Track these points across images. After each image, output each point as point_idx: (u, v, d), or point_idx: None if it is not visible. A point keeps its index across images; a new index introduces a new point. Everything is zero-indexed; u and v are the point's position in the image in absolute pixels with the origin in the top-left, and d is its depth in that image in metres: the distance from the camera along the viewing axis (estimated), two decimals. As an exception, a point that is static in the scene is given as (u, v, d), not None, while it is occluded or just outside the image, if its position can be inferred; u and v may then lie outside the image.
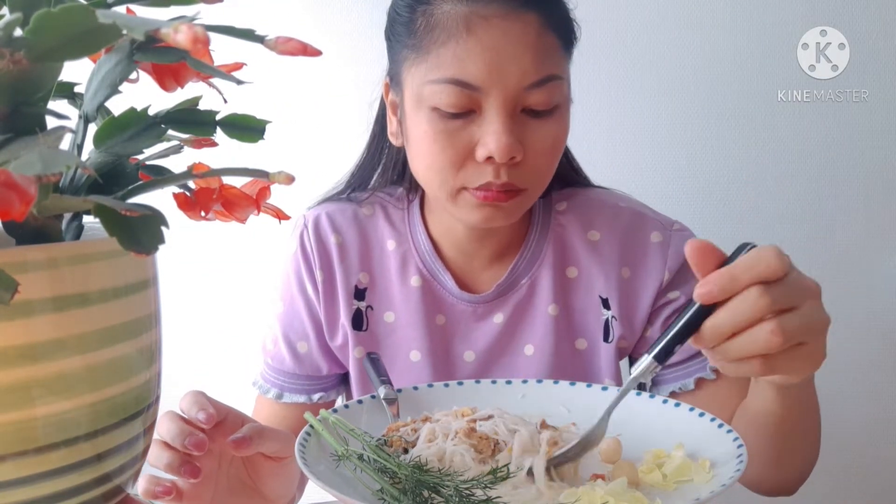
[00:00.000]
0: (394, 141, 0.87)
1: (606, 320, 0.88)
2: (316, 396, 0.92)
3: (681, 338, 0.56)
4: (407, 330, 0.90)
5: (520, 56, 0.73)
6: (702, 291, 0.53)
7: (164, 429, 0.62)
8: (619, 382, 0.89)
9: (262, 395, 0.94)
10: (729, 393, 0.84)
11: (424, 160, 0.79)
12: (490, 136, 0.73)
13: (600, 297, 0.88)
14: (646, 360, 0.57)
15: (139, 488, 0.61)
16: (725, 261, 0.55)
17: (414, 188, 0.92)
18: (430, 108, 0.76)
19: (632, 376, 0.58)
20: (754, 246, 0.55)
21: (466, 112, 0.75)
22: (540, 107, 0.76)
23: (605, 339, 0.88)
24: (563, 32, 0.78)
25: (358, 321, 0.91)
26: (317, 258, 0.91)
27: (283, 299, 0.94)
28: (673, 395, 0.86)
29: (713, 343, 0.55)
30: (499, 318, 0.89)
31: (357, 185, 0.95)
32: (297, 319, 0.93)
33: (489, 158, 0.74)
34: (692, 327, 0.55)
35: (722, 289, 0.53)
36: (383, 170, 0.94)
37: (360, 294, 0.91)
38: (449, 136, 0.75)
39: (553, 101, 0.76)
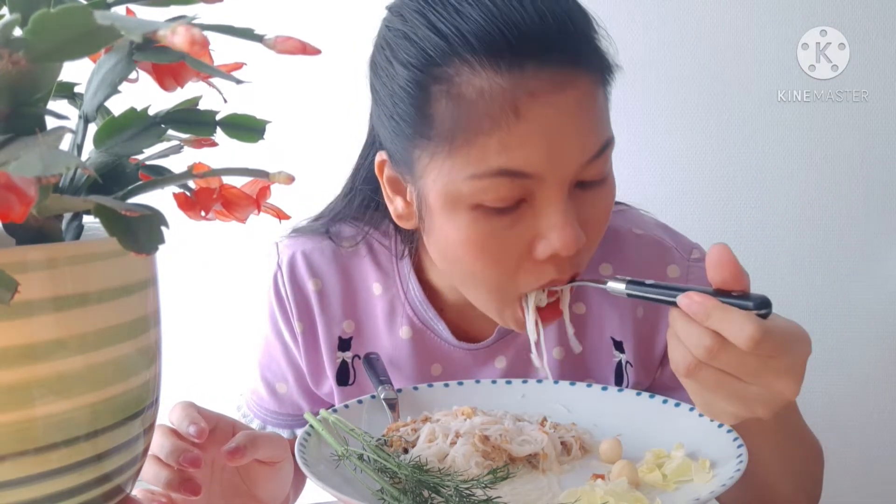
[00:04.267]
0: (403, 224, 0.73)
1: (619, 363, 0.81)
2: (299, 431, 0.84)
3: (653, 300, 0.57)
4: (398, 380, 0.81)
5: (578, 131, 0.62)
6: (683, 301, 0.53)
7: (156, 445, 0.60)
8: None
9: (246, 423, 0.86)
10: None
11: (468, 268, 0.67)
12: (553, 231, 0.62)
13: (612, 338, 0.81)
14: (621, 286, 0.59)
15: None
16: (742, 290, 0.53)
17: (404, 239, 0.82)
18: (471, 207, 0.63)
19: (607, 284, 0.60)
20: (768, 311, 0.52)
21: (516, 204, 0.63)
22: (596, 178, 0.65)
23: (619, 384, 0.81)
24: (608, 79, 0.67)
25: (343, 376, 0.84)
26: (294, 308, 0.83)
27: (261, 336, 0.88)
28: None
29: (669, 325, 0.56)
30: (501, 362, 0.82)
31: (334, 217, 0.85)
32: (273, 362, 0.87)
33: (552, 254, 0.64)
34: (667, 302, 0.56)
35: (694, 314, 0.52)
36: (364, 210, 0.83)
37: (344, 345, 0.83)
38: (500, 240, 0.64)
39: (607, 167, 0.67)
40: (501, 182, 0.61)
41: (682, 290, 0.54)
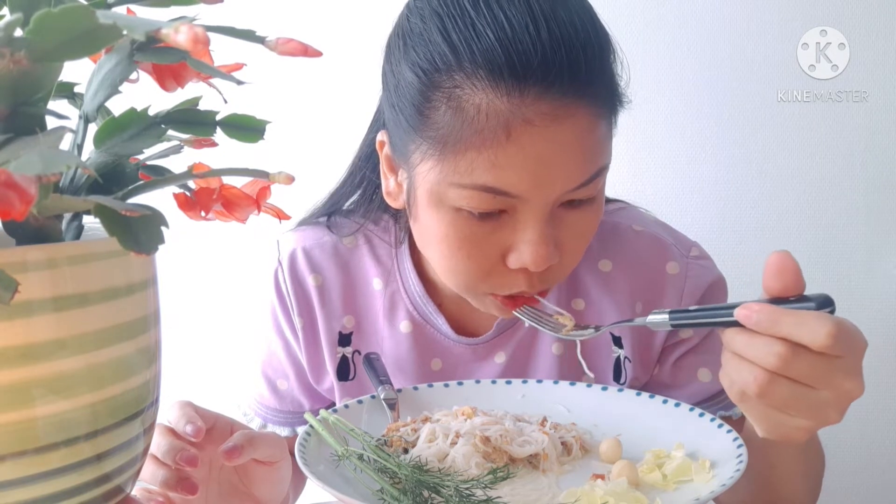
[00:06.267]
0: (391, 202, 0.75)
1: (618, 358, 0.82)
2: (300, 429, 0.84)
3: (703, 325, 0.56)
4: (399, 376, 0.82)
5: (568, 161, 0.62)
6: (743, 313, 0.50)
7: (154, 444, 0.60)
8: None
9: (247, 423, 0.88)
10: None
11: (445, 261, 0.69)
12: (525, 246, 0.64)
13: (611, 334, 0.82)
14: (663, 317, 0.56)
15: None
16: (798, 295, 0.51)
17: (402, 226, 0.83)
18: (452, 208, 0.65)
19: (646, 319, 0.57)
20: (832, 308, 0.50)
21: (497, 213, 0.65)
22: (582, 199, 0.66)
23: (617, 379, 0.82)
24: (613, 110, 0.67)
25: (344, 370, 0.84)
26: (294, 303, 0.84)
27: (263, 334, 0.88)
28: None
29: (724, 348, 0.54)
30: (500, 357, 0.82)
31: (335, 208, 0.86)
32: (274, 358, 0.88)
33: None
34: (718, 324, 0.54)
35: (758, 325, 0.50)
36: (362, 192, 0.85)
37: (345, 340, 0.84)
38: (476, 243, 0.66)
39: (597, 190, 0.67)
40: (484, 196, 0.63)
41: (731, 308, 0.51)
